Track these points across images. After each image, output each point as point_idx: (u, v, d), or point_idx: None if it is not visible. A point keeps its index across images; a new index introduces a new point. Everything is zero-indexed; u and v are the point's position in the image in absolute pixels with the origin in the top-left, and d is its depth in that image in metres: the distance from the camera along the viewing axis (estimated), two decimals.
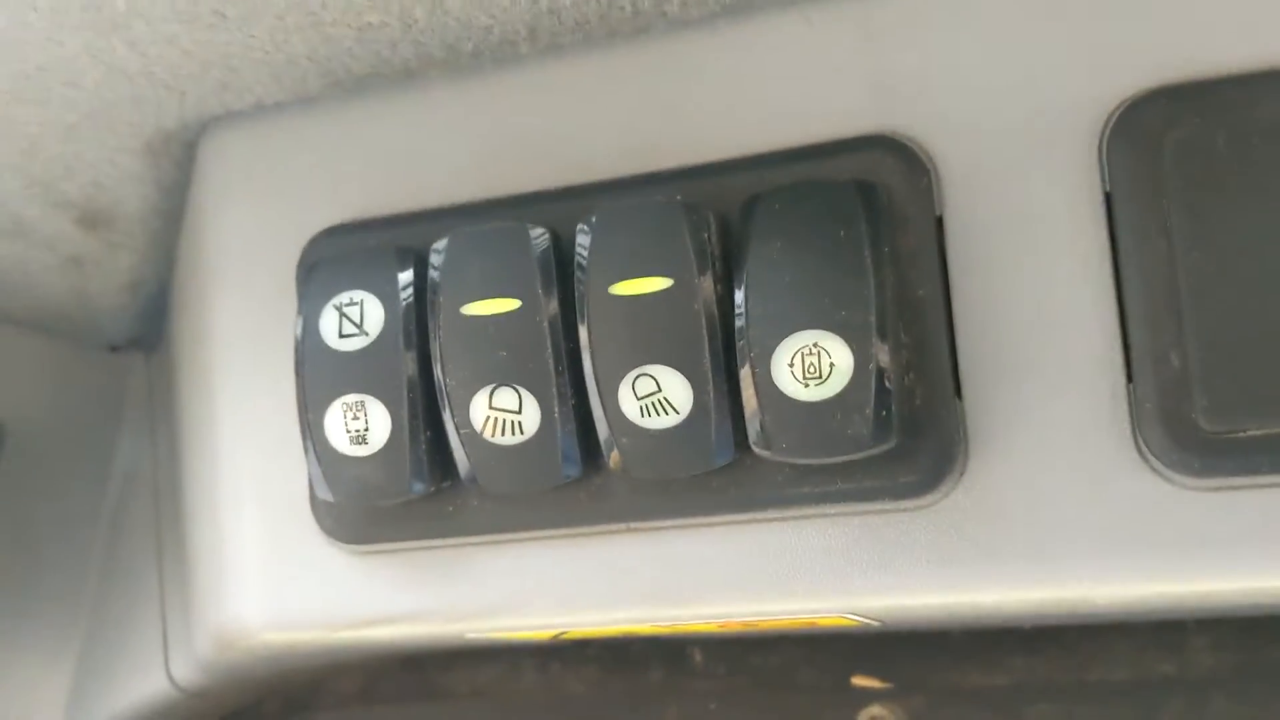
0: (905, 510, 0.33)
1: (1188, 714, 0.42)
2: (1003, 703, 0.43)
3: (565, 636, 0.40)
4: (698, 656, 0.47)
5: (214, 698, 0.50)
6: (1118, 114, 0.31)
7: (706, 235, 0.32)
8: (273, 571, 0.39)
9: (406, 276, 0.35)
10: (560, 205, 0.35)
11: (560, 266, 0.34)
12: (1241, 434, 0.30)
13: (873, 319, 0.31)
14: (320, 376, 0.35)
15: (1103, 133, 0.31)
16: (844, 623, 0.37)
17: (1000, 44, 0.32)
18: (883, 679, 0.45)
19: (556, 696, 0.48)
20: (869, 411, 0.30)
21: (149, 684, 0.48)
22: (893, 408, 0.31)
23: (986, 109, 0.33)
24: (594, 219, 0.33)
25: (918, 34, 0.33)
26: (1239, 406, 0.30)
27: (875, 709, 0.44)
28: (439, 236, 0.35)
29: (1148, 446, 0.31)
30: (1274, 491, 0.30)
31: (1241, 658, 0.42)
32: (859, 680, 0.45)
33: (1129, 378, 0.31)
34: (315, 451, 0.35)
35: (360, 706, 0.51)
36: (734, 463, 0.33)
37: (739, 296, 0.32)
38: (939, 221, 0.33)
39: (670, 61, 0.35)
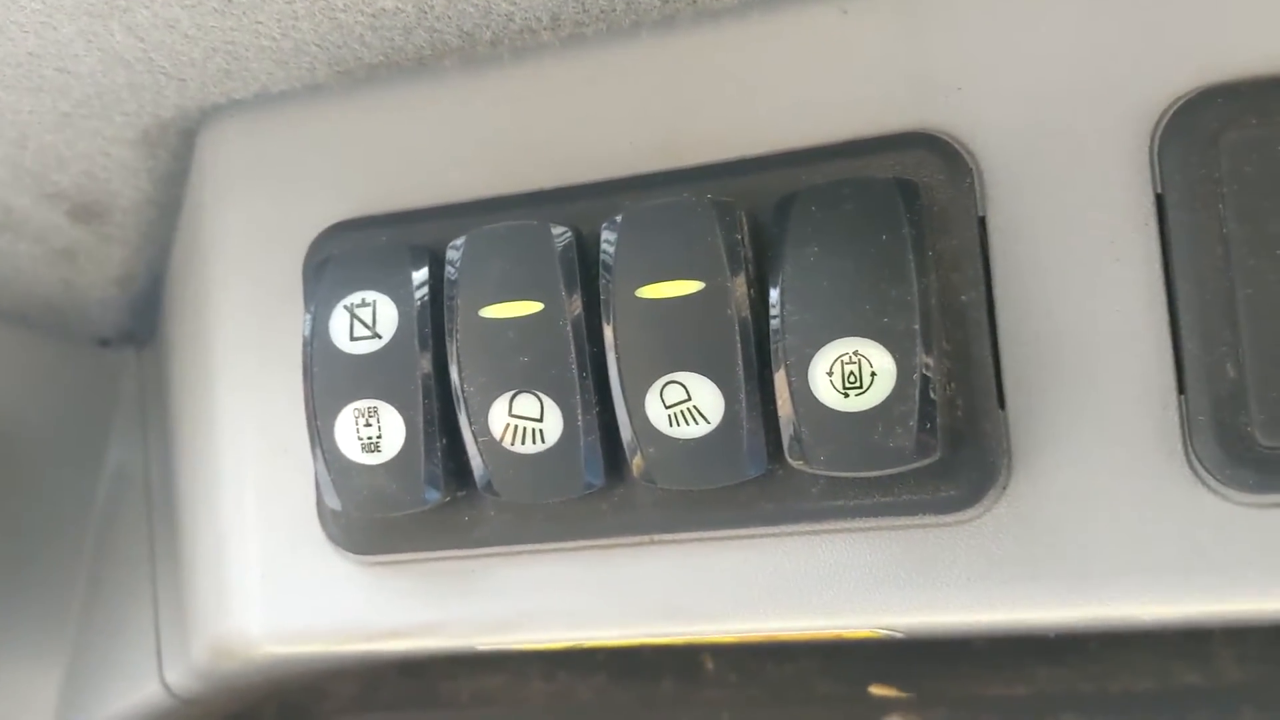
0: (945, 525, 0.31)
1: None
2: (1024, 713, 0.42)
3: (577, 645, 0.38)
4: (710, 665, 0.46)
5: (210, 704, 0.48)
6: (1171, 113, 0.30)
7: (739, 236, 0.31)
8: (276, 581, 0.37)
9: (421, 276, 0.33)
10: (583, 203, 0.33)
11: (583, 267, 0.32)
12: None
13: (917, 326, 0.29)
14: (330, 380, 0.33)
15: (1155, 132, 0.30)
16: (866, 635, 0.35)
17: (1047, 38, 0.31)
18: (901, 689, 0.44)
19: (564, 705, 0.47)
20: (913, 423, 0.29)
21: (142, 690, 0.46)
22: (936, 420, 0.30)
23: (1032, 106, 0.31)
24: (620, 218, 0.32)
25: (960, 26, 0.32)
26: None
27: (894, 719, 0.43)
28: (453, 234, 0.33)
29: (1200, 461, 0.29)
30: None
31: (1270, 669, 0.41)
32: (877, 690, 0.44)
33: (1181, 389, 0.30)
34: (324, 459, 0.34)
35: (359, 713, 0.49)
36: (767, 474, 0.31)
37: (774, 300, 0.30)
38: (982, 223, 0.31)
39: (699, 52, 0.33)
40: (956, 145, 0.31)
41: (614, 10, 0.33)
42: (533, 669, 0.48)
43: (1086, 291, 0.31)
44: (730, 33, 0.33)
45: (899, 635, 0.35)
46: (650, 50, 0.33)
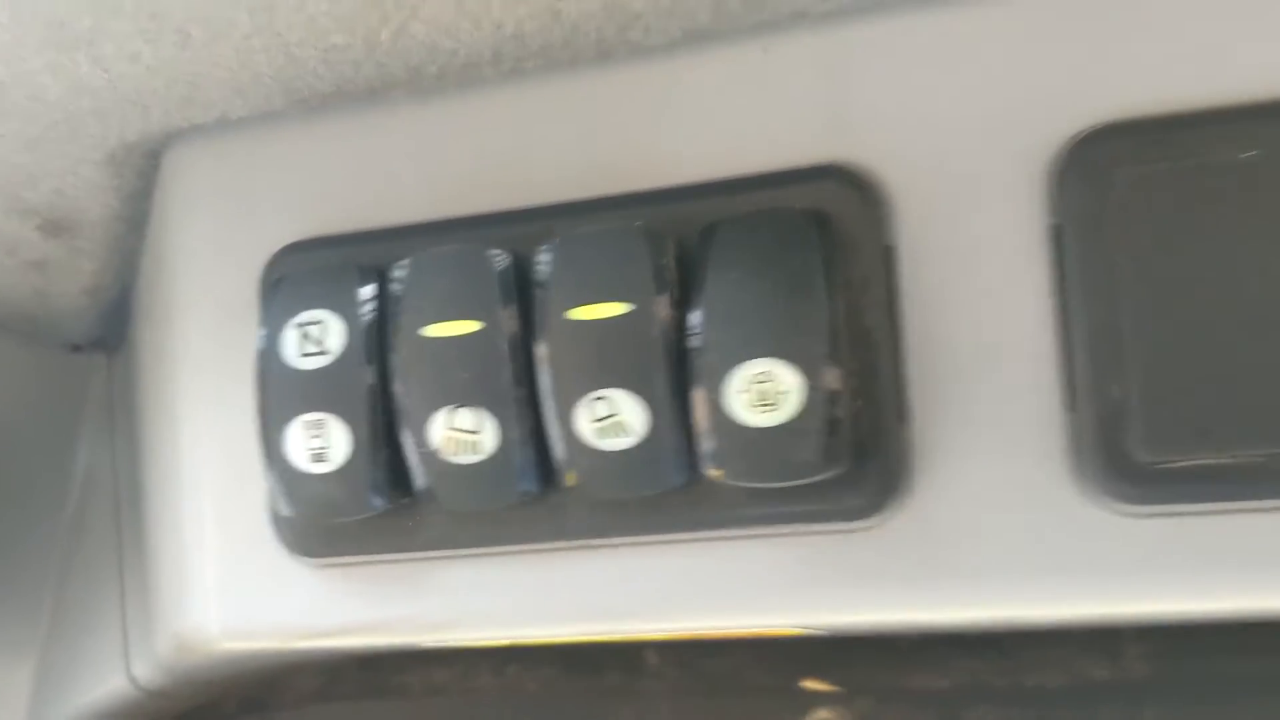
0: (851, 531, 0.34)
1: (1115, 718, 0.43)
2: (944, 705, 0.45)
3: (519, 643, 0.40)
4: (653, 659, 0.48)
5: (175, 697, 0.50)
6: (1068, 149, 0.32)
7: (665, 261, 0.33)
8: (233, 582, 0.40)
9: (368, 295, 0.36)
10: (522, 226, 0.35)
11: (522, 289, 0.34)
12: (1175, 464, 0.31)
13: (824, 348, 0.32)
14: (281, 394, 0.35)
15: (1053, 167, 0.32)
16: (793, 632, 0.38)
17: (954, 77, 0.33)
18: (831, 682, 0.46)
19: (512, 696, 0.49)
20: (819, 438, 0.31)
21: (110, 683, 0.48)
22: (842, 434, 0.32)
23: (939, 141, 0.33)
24: (555, 243, 0.34)
25: (873, 66, 0.34)
26: (1174, 437, 0.31)
27: (823, 712, 0.45)
28: (402, 254, 0.36)
29: (1085, 474, 0.32)
30: (1205, 519, 0.31)
31: (1176, 666, 0.43)
32: (808, 683, 0.46)
33: (1071, 407, 0.32)
34: (275, 468, 0.36)
35: (318, 704, 0.52)
36: (688, 484, 0.34)
37: (695, 322, 0.32)
38: (891, 250, 0.34)
39: (631, 87, 0.35)
40: (868, 178, 0.34)
41: (553, 48, 0.35)
42: (483, 663, 0.50)
43: (987, 315, 0.33)
44: (661, 70, 0.35)
45: (823, 633, 0.38)
46: (586, 85, 0.36)
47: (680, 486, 0.34)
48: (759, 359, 0.32)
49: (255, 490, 0.39)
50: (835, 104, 0.34)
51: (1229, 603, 0.32)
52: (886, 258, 0.34)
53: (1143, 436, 0.31)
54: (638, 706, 0.48)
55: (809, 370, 0.31)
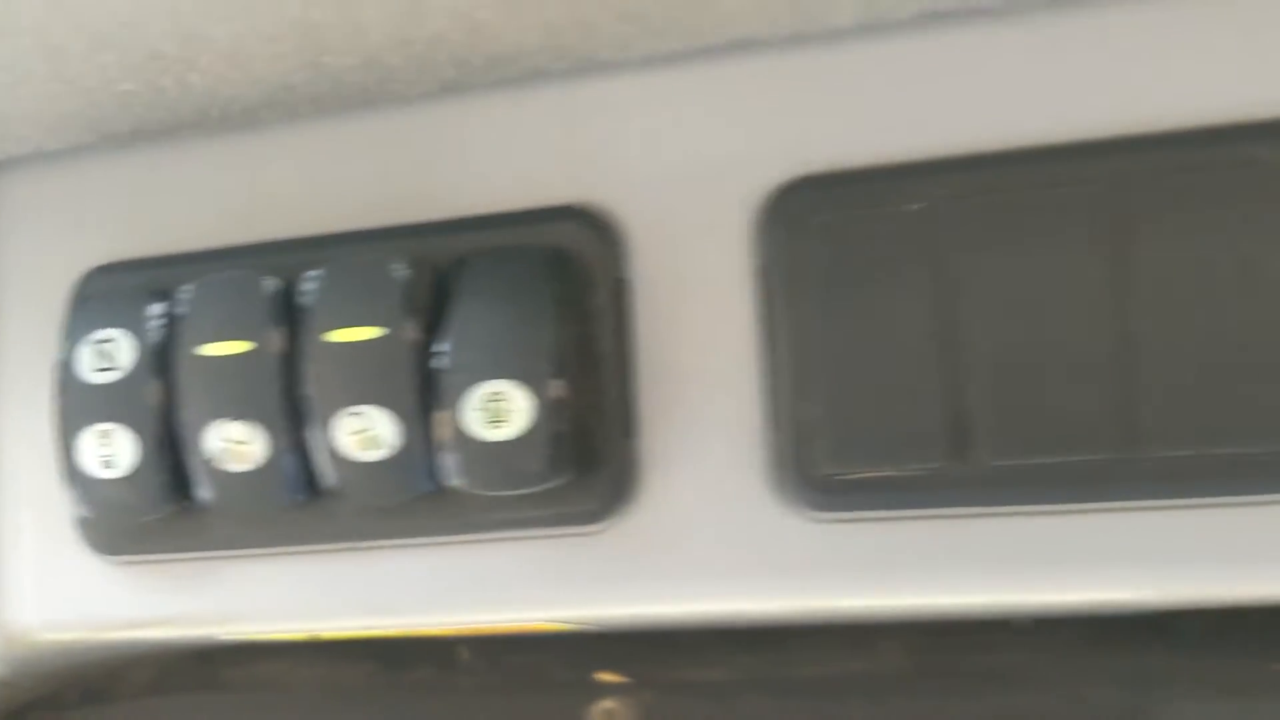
0: (584, 535, 0.37)
1: (872, 707, 0.47)
2: (720, 695, 0.49)
3: (325, 637, 0.44)
4: (465, 654, 0.52)
5: (17, 686, 0.53)
6: (771, 197, 0.36)
7: (417, 290, 0.37)
8: (46, 578, 0.43)
9: (155, 316, 0.39)
10: (297, 254, 0.39)
11: (293, 311, 0.38)
12: (855, 476, 0.35)
13: (551, 371, 0.35)
14: (74, 405, 0.39)
15: (759, 213, 0.37)
16: (556, 627, 0.42)
17: (679, 129, 0.37)
18: (623, 675, 0.50)
19: (333, 690, 0.52)
20: (545, 451, 0.35)
21: None
22: (567, 448, 0.36)
23: (667, 187, 0.37)
24: (320, 271, 0.37)
25: (611, 118, 0.38)
26: (853, 453, 0.35)
27: (607, 703, 0.49)
28: (192, 278, 0.39)
29: (783, 486, 0.36)
30: (880, 524, 0.35)
31: (926, 659, 0.48)
32: (602, 676, 0.50)
33: (771, 426, 0.36)
34: (71, 474, 0.39)
35: (154, 697, 0.55)
36: (439, 491, 0.37)
37: (441, 347, 0.36)
38: (625, 283, 0.38)
39: (398, 131, 0.39)
40: (606, 218, 0.38)
41: (321, 96, 0.38)
42: (307, 656, 0.53)
43: (706, 344, 0.37)
44: (423, 117, 0.39)
45: (590, 628, 0.42)
46: (358, 128, 0.39)
47: (431, 494, 0.37)
48: (493, 380, 0.35)
49: (63, 495, 0.42)
50: (578, 151, 0.38)
51: (906, 599, 0.36)
52: (620, 290, 0.37)
53: (828, 452, 0.35)
54: (448, 700, 0.51)
55: (537, 390, 0.35)
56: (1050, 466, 0.33)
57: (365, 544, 0.39)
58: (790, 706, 0.48)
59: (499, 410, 0.35)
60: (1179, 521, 0.33)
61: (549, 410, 0.35)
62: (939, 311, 0.34)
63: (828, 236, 0.36)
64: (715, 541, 0.37)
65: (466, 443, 0.36)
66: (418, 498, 0.37)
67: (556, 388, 0.35)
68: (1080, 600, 0.34)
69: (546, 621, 0.38)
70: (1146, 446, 0.33)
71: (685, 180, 0.37)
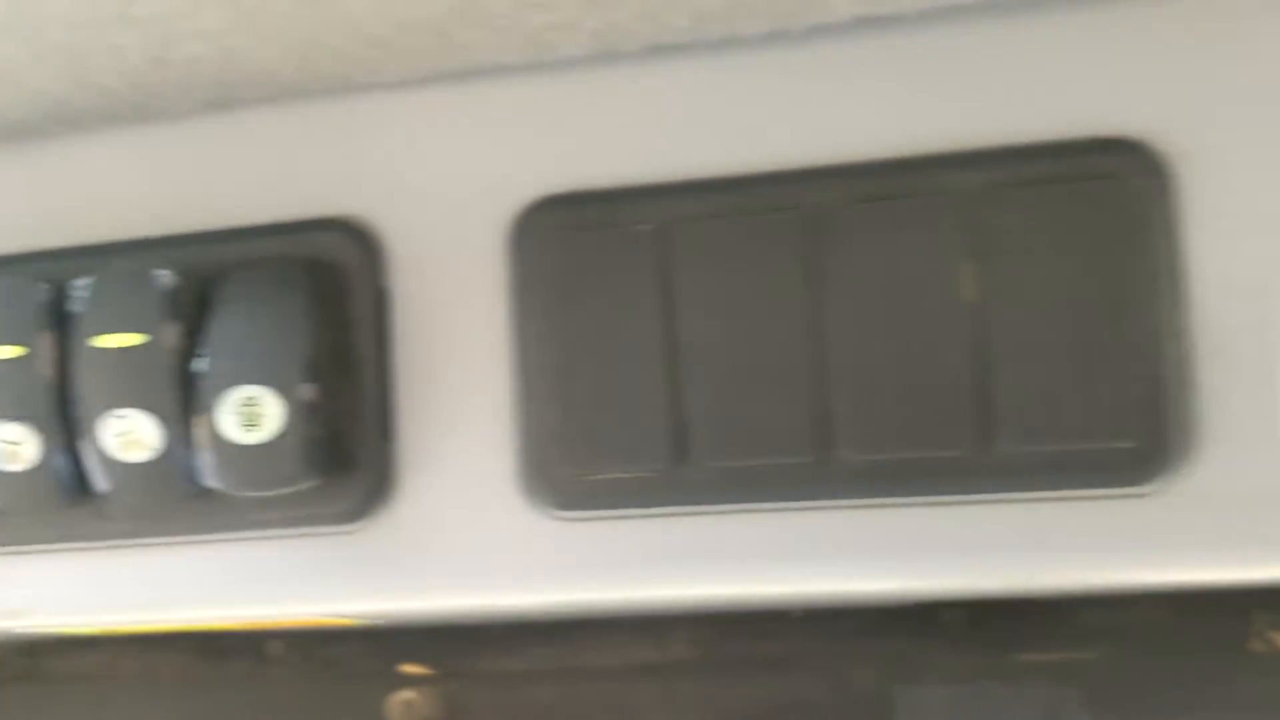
0: (344, 534, 0.39)
1: (662, 695, 0.50)
2: (517, 685, 0.51)
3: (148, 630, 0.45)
4: (276, 648, 0.53)
5: None
6: (521, 215, 0.38)
7: (179, 297, 0.38)
8: None
9: None
10: (71, 262, 0.40)
11: (64, 317, 0.39)
12: (591, 478, 0.37)
13: (302, 377, 0.37)
14: None
15: (511, 230, 0.39)
16: (343, 623, 0.44)
17: (439, 147, 0.39)
18: (426, 667, 0.52)
19: (149, 683, 0.54)
20: (295, 454, 0.37)
21: None
22: (320, 451, 0.38)
23: (428, 201, 0.39)
24: (88, 280, 0.39)
25: (375, 135, 0.40)
26: (588, 457, 0.37)
27: (406, 694, 0.51)
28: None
29: (531, 488, 0.38)
30: (616, 523, 0.38)
31: (711, 649, 0.50)
32: (407, 668, 0.52)
33: (519, 431, 0.38)
34: None
35: None
36: (202, 493, 0.39)
37: (201, 353, 0.38)
38: (385, 293, 0.39)
39: (169, 145, 0.41)
40: (369, 230, 0.40)
41: (94, 110, 0.40)
42: (127, 649, 0.55)
43: (461, 352, 0.39)
44: (195, 129, 0.41)
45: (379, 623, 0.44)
46: (132, 140, 0.41)
47: (201, 493, 0.39)
48: (248, 385, 0.37)
49: None
50: (343, 167, 0.40)
51: (642, 592, 0.38)
52: (380, 299, 0.39)
53: (567, 456, 0.37)
54: (261, 692, 0.53)
55: (289, 395, 0.37)
56: (757, 469, 0.36)
57: (138, 541, 0.40)
58: (583, 694, 0.51)
59: (253, 414, 0.37)
60: (872, 519, 0.36)
61: (300, 414, 0.37)
62: (664, 325, 0.37)
63: (568, 253, 0.38)
64: (467, 540, 0.39)
65: (222, 445, 0.37)
66: (186, 497, 0.39)
67: (308, 392, 0.37)
68: (787, 592, 0.37)
69: (311, 617, 0.40)
70: (842, 451, 0.35)
71: (444, 196, 0.39)
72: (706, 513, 0.37)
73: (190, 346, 0.38)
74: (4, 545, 0.41)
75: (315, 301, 0.38)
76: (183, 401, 0.38)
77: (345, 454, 0.39)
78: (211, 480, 0.38)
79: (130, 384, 0.38)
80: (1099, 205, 0.34)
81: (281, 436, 0.37)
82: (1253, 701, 0.45)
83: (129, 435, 0.38)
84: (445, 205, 0.39)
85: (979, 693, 0.46)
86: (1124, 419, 0.34)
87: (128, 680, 0.55)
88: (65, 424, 0.39)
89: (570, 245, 0.38)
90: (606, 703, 0.51)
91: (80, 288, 0.39)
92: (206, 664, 0.54)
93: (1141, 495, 0.34)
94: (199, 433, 0.38)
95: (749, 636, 0.51)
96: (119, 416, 0.38)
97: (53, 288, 0.39)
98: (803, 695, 0.49)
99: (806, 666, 0.49)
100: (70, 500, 0.40)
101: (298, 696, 0.53)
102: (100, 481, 0.39)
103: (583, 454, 0.37)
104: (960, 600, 0.48)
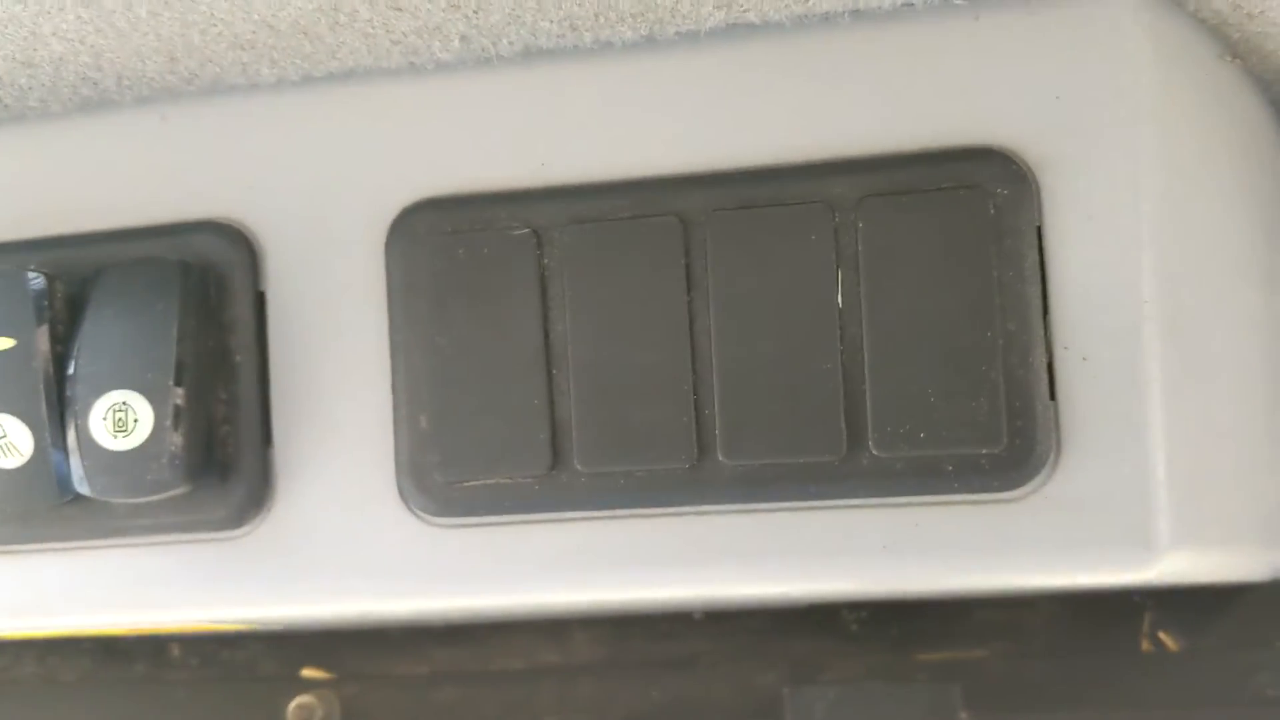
0: (225, 539, 0.39)
1: (563, 695, 0.50)
2: (418, 688, 0.50)
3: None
4: (176, 651, 0.53)
5: None
6: (397, 218, 0.38)
7: (49, 301, 0.38)
8: None
9: None
10: None
11: None
12: (467, 483, 0.37)
13: (171, 382, 0.37)
14: None
15: (386, 233, 0.38)
16: (239, 628, 0.43)
17: (316, 151, 0.39)
18: (328, 670, 0.52)
19: (50, 686, 0.53)
20: (166, 460, 0.36)
21: None
22: (192, 456, 0.37)
23: (306, 204, 0.39)
24: None
25: (253, 137, 0.39)
26: (463, 463, 0.37)
27: (304, 698, 0.50)
28: None
29: (403, 492, 0.38)
30: (494, 529, 0.37)
31: (611, 649, 0.50)
32: (307, 672, 0.51)
33: (396, 436, 0.38)
34: None
35: None
36: (77, 499, 0.38)
37: (71, 357, 0.37)
38: (261, 295, 0.39)
39: (42, 145, 0.40)
40: (244, 232, 0.39)
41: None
42: (28, 653, 0.54)
43: (340, 356, 0.38)
44: (69, 129, 0.40)
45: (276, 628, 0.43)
46: (3, 141, 0.40)
47: (79, 498, 0.39)
48: (117, 390, 0.37)
49: None
50: (220, 169, 0.39)
51: (519, 598, 0.38)
52: (257, 302, 0.39)
53: (441, 462, 0.37)
54: (160, 694, 0.53)
55: (159, 400, 0.36)
56: (633, 474, 0.36)
57: (12, 548, 0.40)
58: (484, 696, 0.50)
59: (123, 420, 0.37)
60: (750, 524, 0.36)
61: (172, 419, 0.36)
62: (539, 330, 0.36)
63: (444, 257, 0.37)
64: (346, 546, 0.38)
65: (92, 451, 0.37)
66: (59, 503, 0.38)
67: (179, 397, 0.37)
68: (664, 596, 0.37)
69: (194, 623, 0.40)
70: (718, 456, 0.35)
71: (321, 199, 0.39)
72: (584, 519, 0.37)
73: (62, 351, 0.38)
74: None
75: (188, 305, 0.38)
76: (54, 406, 0.37)
77: (221, 459, 0.38)
78: (82, 487, 0.37)
79: (3, 390, 0.37)
80: (965, 213, 0.34)
81: (152, 442, 0.36)
82: (1140, 699, 0.46)
83: (2, 441, 0.38)
84: (322, 208, 0.39)
85: (870, 692, 0.46)
86: (992, 425, 0.34)
87: (27, 684, 0.54)
88: None
89: (446, 249, 0.37)
90: (508, 704, 0.50)
91: None
92: (105, 668, 0.54)
93: (1010, 500, 0.34)
94: (70, 440, 0.37)
95: (651, 638, 0.51)
96: None
97: None
98: (704, 695, 0.49)
99: (707, 667, 0.49)
100: None
101: (198, 700, 0.52)
102: None
103: (459, 460, 0.37)
104: (856, 601, 0.48)
